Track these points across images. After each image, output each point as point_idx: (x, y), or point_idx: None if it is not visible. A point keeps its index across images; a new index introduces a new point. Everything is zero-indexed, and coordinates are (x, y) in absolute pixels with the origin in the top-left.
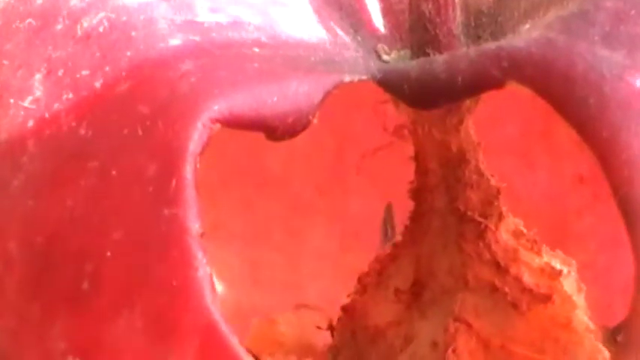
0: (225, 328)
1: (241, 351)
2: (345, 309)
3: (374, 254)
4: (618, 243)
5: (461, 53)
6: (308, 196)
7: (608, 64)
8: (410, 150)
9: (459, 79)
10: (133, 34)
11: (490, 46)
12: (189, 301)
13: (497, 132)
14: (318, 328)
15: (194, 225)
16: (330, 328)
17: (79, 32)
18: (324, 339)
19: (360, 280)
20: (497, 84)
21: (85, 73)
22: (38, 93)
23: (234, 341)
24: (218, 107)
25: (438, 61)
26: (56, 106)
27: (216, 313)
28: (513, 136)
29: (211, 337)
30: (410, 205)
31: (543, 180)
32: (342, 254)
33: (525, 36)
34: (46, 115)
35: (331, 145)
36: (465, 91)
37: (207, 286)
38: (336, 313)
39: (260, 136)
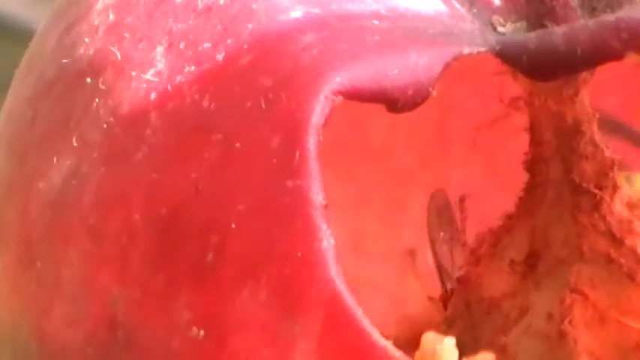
0: (350, 299)
1: (366, 322)
2: (459, 280)
3: (475, 225)
4: None
5: (580, 25)
6: (410, 167)
7: None
8: (516, 122)
9: (579, 50)
10: (254, 6)
11: (609, 17)
12: (314, 272)
13: (598, 103)
14: (430, 299)
15: (318, 197)
16: (443, 299)
17: (200, 5)
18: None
19: (472, 251)
20: (616, 55)
21: (206, 45)
22: (160, 66)
23: (359, 312)
24: (340, 79)
25: (557, 32)
26: (178, 78)
27: (342, 285)
28: (615, 108)
29: (336, 309)
30: (512, 177)
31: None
32: None
33: None
34: (169, 88)
35: (434, 115)
36: (584, 63)
37: (332, 257)
38: (437, 283)
39: (363, 106)
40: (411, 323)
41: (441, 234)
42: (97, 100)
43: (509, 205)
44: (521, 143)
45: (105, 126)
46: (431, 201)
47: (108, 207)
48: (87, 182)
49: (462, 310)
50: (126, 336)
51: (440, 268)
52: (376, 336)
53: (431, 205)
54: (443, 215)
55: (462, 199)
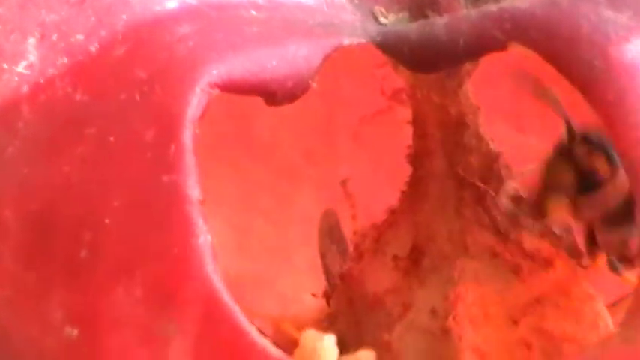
0: (226, 296)
1: (244, 320)
2: (342, 276)
3: (363, 220)
4: None
5: (462, 15)
6: (296, 162)
7: (613, 25)
8: (399, 115)
9: (461, 41)
10: None
11: (492, 7)
12: (190, 270)
13: (487, 95)
14: (313, 295)
15: (194, 192)
16: (326, 295)
17: None
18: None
19: (356, 247)
20: (499, 46)
21: (80, 37)
22: (32, 58)
23: (235, 310)
24: (217, 72)
25: (439, 23)
26: (51, 71)
27: (218, 282)
28: (504, 100)
29: (213, 306)
30: (399, 171)
31: (534, 143)
32: None
33: None
34: (41, 80)
35: (321, 110)
36: (467, 54)
37: (208, 254)
38: (323, 280)
39: (249, 100)
40: (297, 321)
41: (333, 247)
42: None
43: (396, 199)
44: (408, 136)
45: None
46: (322, 219)
47: None
48: None
49: (345, 307)
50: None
51: (326, 268)
52: (254, 334)
53: (322, 224)
54: (334, 233)
55: (349, 195)
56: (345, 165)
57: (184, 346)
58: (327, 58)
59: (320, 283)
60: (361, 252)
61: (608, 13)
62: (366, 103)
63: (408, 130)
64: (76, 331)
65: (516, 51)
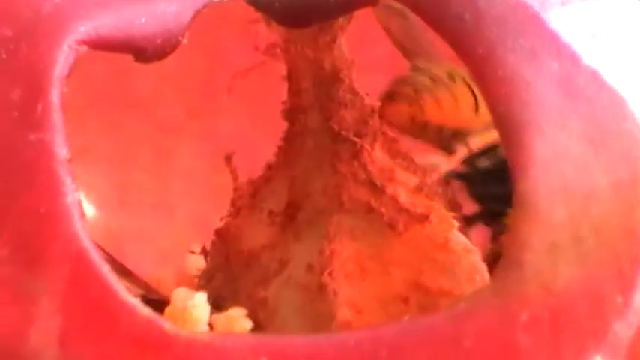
0: (95, 255)
1: (112, 278)
2: (218, 233)
3: (245, 175)
4: None
5: None
6: (177, 118)
7: None
8: (281, 69)
9: None
10: None
11: None
12: (57, 228)
13: (366, 52)
14: (191, 252)
15: (61, 150)
16: (204, 252)
17: None
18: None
19: (233, 203)
20: (370, 1)
21: None
22: None
23: (104, 269)
24: (84, 29)
25: None
26: None
27: (86, 240)
28: (383, 57)
29: (81, 265)
30: (281, 126)
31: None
32: (212, 175)
33: None
34: None
35: (201, 66)
36: (338, 9)
37: (77, 213)
38: (205, 235)
39: (128, 58)
40: (178, 277)
41: None
42: None
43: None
44: (284, 92)
45: None
46: None
47: None
48: None
49: (222, 263)
50: None
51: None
52: (123, 293)
53: None
54: None
55: (228, 157)
56: (225, 120)
57: (53, 304)
58: (197, 14)
59: (201, 239)
60: (238, 208)
61: None
62: (243, 58)
63: (283, 86)
64: None
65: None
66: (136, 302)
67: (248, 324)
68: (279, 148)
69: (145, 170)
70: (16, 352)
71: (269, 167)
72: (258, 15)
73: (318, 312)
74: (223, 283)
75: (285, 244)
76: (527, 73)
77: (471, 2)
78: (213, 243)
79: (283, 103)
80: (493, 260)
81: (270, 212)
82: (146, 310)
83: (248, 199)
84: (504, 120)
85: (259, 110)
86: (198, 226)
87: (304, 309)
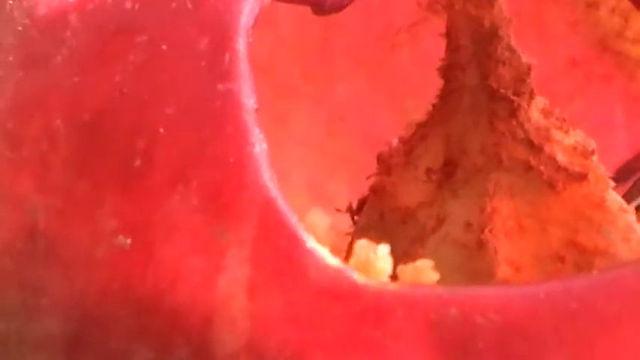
0: (283, 205)
1: (300, 228)
2: (372, 189)
3: (360, 139)
4: (609, 127)
5: None
6: (294, 82)
7: None
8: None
9: None
10: None
11: None
12: (246, 178)
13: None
14: (338, 210)
15: (249, 100)
16: (350, 210)
17: None
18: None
19: (382, 161)
20: None
21: None
22: None
23: (293, 219)
24: None
25: None
26: None
27: (274, 190)
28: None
29: (270, 214)
30: (395, 91)
31: (535, 64)
32: (327, 139)
33: None
34: None
35: (318, 32)
36: None
37: (264, 162)
38: (324, 197)
39: None
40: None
41: None
42: (10, 1)
43: (392, 119)
44: (404, 59)
45: (20, 29)
46: None
47: (26, 111)
48: (3, 87)
49: (376, 220)
50: (46, 246)
51: None
52: (312, 243)
53: None
54: None
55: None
56: (341, 84)
57: (241, 254)
58: None
59: (316, 204)
60: (389, 166)
61: None
62: (364, 26)
63: (407, 53)
64: (129, 240)
65: None
66: (325, 252)
67: (435, 276)
68: (434, 106)
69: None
70: (205, 301)
71: (422, 125)
72: None
73: (477, 269)
74: (378, 240)
75: (442, 202)
76: None
77: None
78: (367, 200)
79: (440, 60)
80: None
81: (428, 169)
82: (335, 261)
83: (402, 157)
84: None
85: (374, 75)
86: (312, 191)
87: (463, 266)
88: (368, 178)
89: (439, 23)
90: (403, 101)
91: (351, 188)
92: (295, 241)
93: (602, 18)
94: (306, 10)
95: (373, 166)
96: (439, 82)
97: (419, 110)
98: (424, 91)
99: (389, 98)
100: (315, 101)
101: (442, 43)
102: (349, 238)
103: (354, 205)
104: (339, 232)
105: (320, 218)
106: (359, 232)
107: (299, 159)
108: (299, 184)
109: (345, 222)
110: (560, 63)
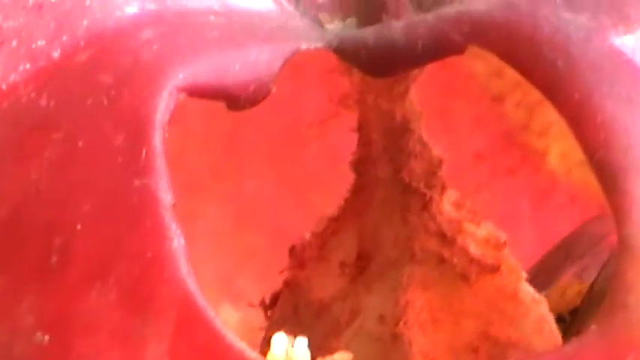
0: (202, 300)
1: (219, 323)
2: (286, 283)
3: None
4: (515, 219)
5: (419, 19)
6: (202, 178)
7: (574, 26)
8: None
9: (419, 44)
10: (87, 2)
11: (449, 10)
12: (164, 273)
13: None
14: (251, 305)
15: (166, 195)
16: (264, 305)
17: (30, 2)
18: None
19: (295, 255)
20: (458, 49)
21: (40, 43)
22: None
23: (211, 314)
24: (183, 76)
25: (397, 27)
26: (13, 77)
27: (193, 285)
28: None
29: (188, 309)
30: (304, 186)
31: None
32: (236, 234)
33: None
34: (3, 87)
35: (226, 127)
36: (425, 57)
37: (182, 257)
38: (233, 293)
39: None
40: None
41: None
42: None
43: (300, 214)
44: (312, 154)
45: None
46: None
47: None
48: None
49: (290, 314)
50: None
51: None
52: (231, 338)
53: None
54: None
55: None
56: (249, 180)
57: (160, 349)
58: (286, 62)
59: (226, 299)
60: (302, 260)
61: (567, 15)
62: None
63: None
64: (47, 337)
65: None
66: (243, 347)
67: None
68: (346, 199)
69: None
70: None
71: (335, 219)
72: (332, 66)
73: None
74: (293, 334)
75: (356, 295)
76: (625, 119)
77: (564, 49)
78: (280, 294)
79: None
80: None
81: (342, 263)
82: (253, 354)
83: (315, 251)
84: (604, 165)
85: (282, 170)
86: (222, 285)
87: (378, 359)
88: (281, 272)
89: (349, 117)
90: (310, 197)
91: (261, 283)
92: (214, 335)
93: (507, 112)
94: (214, 105)
95: (282, 261)
96: (347, 177)
97: (326, 205)
98: (331, 186)
99: (296, 193)
100: (223, 196)
101: (351, 138)
102: (261, 332)
103: (267, 300)
104: (250, 327)
105: (229, 313)
106: (273, 326)
107: (208, 254)
108: (208, 279)
109: (255, 317)
110: (466, 157)
